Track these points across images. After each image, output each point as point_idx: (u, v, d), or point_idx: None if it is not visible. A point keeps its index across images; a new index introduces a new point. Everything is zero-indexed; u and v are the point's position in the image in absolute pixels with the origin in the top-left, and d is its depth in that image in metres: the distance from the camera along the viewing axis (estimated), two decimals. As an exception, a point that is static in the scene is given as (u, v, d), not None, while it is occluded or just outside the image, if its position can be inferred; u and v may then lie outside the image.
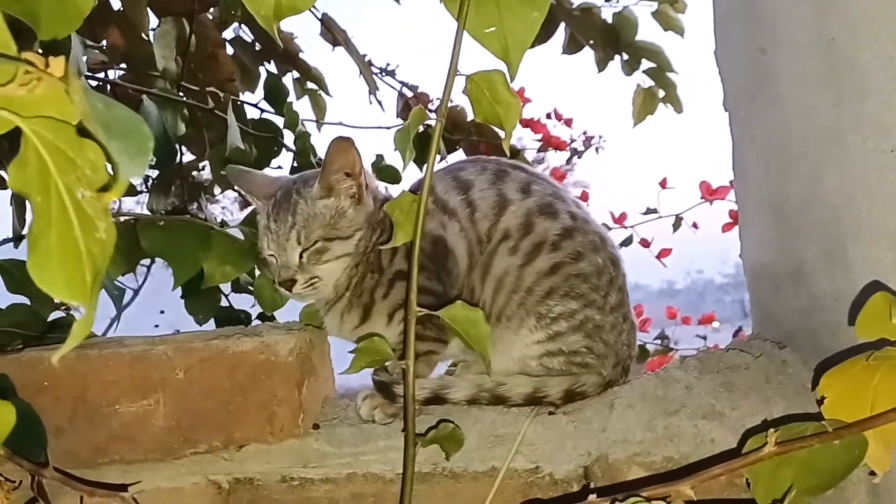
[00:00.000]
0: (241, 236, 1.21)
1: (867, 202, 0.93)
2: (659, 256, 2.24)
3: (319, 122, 2.63)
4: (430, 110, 2.68)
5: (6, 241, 1.41)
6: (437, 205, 1.07)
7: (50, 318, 1.23)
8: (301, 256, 1.06)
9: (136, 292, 2.25)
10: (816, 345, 1.03)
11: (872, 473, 0.65)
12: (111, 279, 1.24)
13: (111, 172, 0.43)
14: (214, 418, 1.02)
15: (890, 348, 0.66)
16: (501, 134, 0.83)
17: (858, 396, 0.66)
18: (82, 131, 0.45)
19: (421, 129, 2.30)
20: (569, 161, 3.27)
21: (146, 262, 2.35)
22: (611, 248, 1.09)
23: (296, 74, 2.68)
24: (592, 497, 0.67)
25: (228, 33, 2.58)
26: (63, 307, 1.33)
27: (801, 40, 1.01)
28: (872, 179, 0.92)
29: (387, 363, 1.00)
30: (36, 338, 1.15)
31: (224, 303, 1.75)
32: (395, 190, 1.63)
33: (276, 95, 2.17)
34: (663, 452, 0.95)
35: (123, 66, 2.10)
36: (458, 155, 2.50)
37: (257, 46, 2.68)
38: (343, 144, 1.05)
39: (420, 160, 1.60)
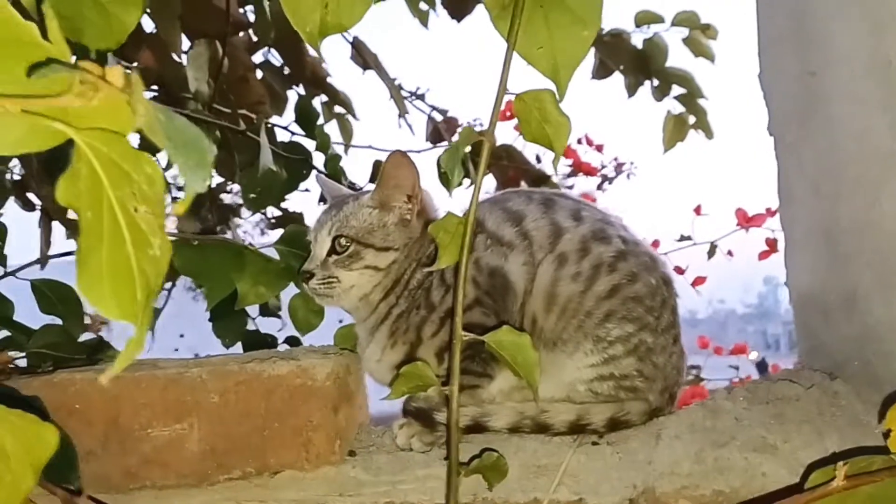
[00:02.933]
0: (276, 256, 1.19)
1: (927, 228, 0.89)
2: (694, 284, 2.20)
3: (347, 145, 2.63)
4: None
5: (34, 262, 1.40)
6: (492, 238, 1.05)
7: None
8: (330, 253, 1.07)
9: (156, 315, 2.25)
10: (870, 375, 0.99)
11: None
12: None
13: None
14: (249, 444, 0.99)
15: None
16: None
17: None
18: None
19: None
20: (599, 187, 3.25)
21: (167, 285, 2.35)
22: (662, 267, 1.07)
23: (324, 98, 2.69)
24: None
25: (258, 57, 2.60)
26: (96, 328, 1.32)
27: (855, 63, 0.98)
28: (932, 205, 0.89)
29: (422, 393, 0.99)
30: (68, 359, 1.13)
31: (250, 326, 1.74)
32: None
33: (307, 118, 2.16)
34: (713, 486, 0.92)
35: (155, 87, 2.11)
36: (488, 179, 2.48)
37: (286, 71, 2.70)
38: (400, 159, 1.06)
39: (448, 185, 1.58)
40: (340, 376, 1.01)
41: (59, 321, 1.16)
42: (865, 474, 0.61)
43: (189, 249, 1.14)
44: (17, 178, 2.32)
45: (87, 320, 1.33)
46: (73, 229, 2.15)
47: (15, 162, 2.17)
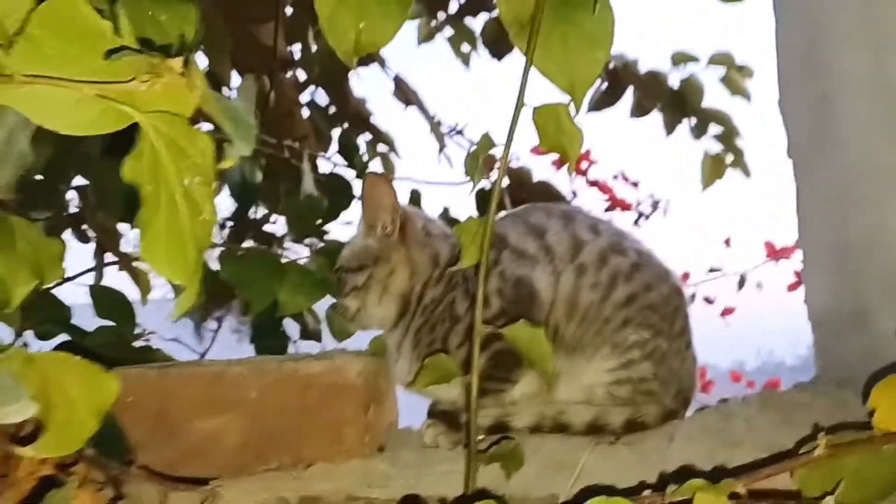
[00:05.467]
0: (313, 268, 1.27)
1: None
2: (723, 314, 2.23)
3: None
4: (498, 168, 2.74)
5: (89, 270, 1.49)
6: (516, 253, 1.11)
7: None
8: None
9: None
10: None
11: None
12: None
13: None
14: (285, 437, 1.06)
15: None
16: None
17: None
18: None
19: (487, 186, 2.36)
20: (636, 223, 3.29)
21: (213, 326, 2.45)
22: (673, 279, 1.13)
23: (367, 136, 2.79)
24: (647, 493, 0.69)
25: (304, 97, 2.71)
26: (145, 337, 1.40)
27: (861, 85, 1.04)
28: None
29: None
30: (120, 360, 1.21)
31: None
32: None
33: (348, 149, 2.26)
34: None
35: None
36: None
37: (331, 110, 2.81)
38: (374, 181, 1.15)
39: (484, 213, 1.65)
40: (370, 376, 1.07)
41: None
42: (846, 444, 0.66)
43: (235, 261, 1.23)
44: (74, 210, 2.42)
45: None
46: (124, 261, 2.24)
47: (72, 195, 2.27)
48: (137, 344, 1.34)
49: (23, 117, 0.55)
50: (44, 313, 1.15)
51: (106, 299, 1.25)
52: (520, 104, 0.83)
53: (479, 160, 0.84)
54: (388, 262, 1.14)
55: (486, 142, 0.87)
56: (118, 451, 0.99)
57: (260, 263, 1.23)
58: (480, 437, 1.01)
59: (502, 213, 1.17)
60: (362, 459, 1.05)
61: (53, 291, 1.29)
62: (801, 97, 1.23)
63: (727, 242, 2.32)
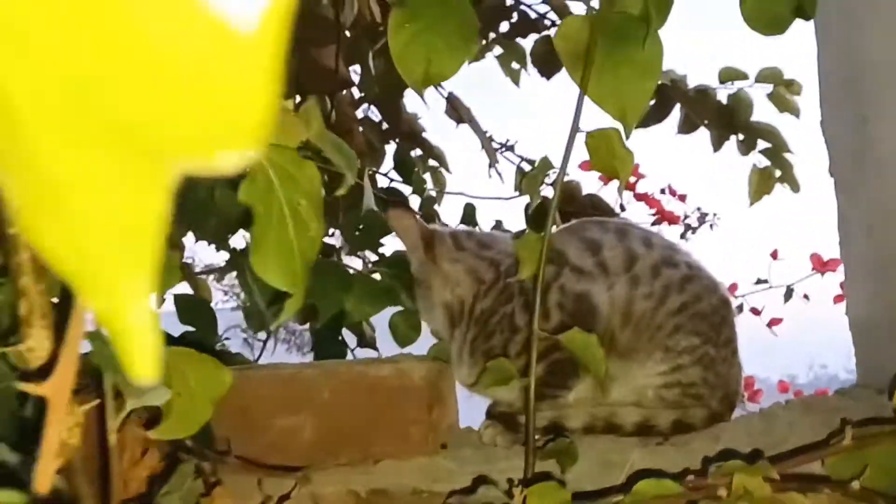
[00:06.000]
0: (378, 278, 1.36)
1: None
2: (770, 325, 2.27)
3: (441, 193, 2.81)
4: (548, 184, 2.82)
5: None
6: (574, 270, 1.17)
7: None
8: None
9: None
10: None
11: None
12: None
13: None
14: (355, 435, 1.15)
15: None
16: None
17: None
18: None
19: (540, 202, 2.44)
20: (683, 236, 3.33)
21: (261, 335, 2.56)
22: (721, 290, 1.20)
23: (418, 152, 2.89)
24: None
25: (359, 114, 2.82)
26: (221, 342, 1.50)
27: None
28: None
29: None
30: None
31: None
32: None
33: (405, 165, 2.36)
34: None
35: (272, 137, 2.34)
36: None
37: (384, 126, 2.91)
38: (393, 213, 1.28)
39: (537, 229, 1.73)
40: (433, 379, 1.16)
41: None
42: (871, 436, 0.72)
43: (306, 271, 1.32)
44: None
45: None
46: (185, 271, 2.35)
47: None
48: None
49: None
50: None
51: (189, 306, 1.36)
52: (574, 131, 0.91)
53: (539, 181, 0.92)
54: (426, 279, 1.24)
55: (545, 164, 0.95)
56: (209, 444, 1.09)
57: (328, 273, 1.32)
58: (537, 436, 1.09)
59: (557, 228, 1.25)
60: (427, 457, 1.13)
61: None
62: (841, 119, 1.30)
63: (774, 255, 2.35)
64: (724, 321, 1.17)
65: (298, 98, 2.29)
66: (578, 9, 2.39)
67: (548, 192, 2.80)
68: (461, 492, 1.05)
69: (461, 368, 1.21)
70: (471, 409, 1.30)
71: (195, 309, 1.33)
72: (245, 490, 1.00)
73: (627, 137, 0.95)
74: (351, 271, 1.36)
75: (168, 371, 0.67)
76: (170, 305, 1.39)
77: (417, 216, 1.25)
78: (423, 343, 1.36)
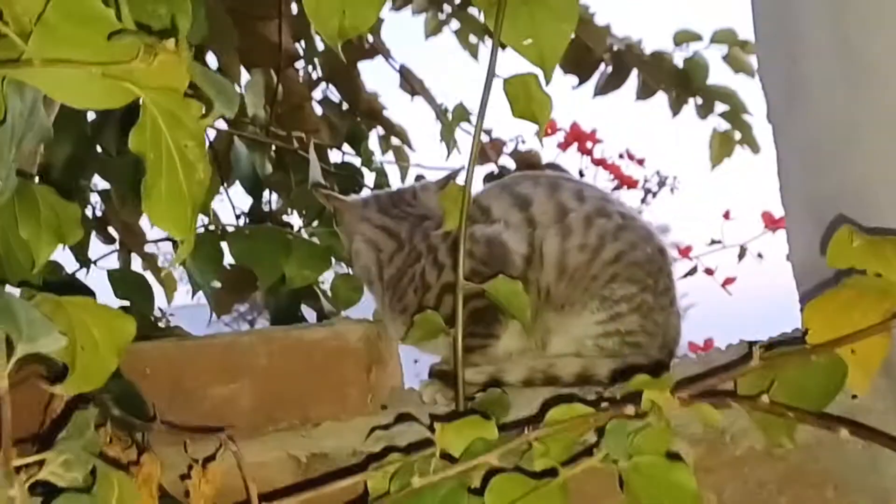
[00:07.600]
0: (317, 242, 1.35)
1: (886, 189, 1.00)
2: (724, 284, 2.29)
3: (404, 171, 2.79)
4: (507, 154, 2.82)
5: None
6: (489, 219, 1.17)
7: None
8: None
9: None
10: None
11: (854, 396, 0.73)
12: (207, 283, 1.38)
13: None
14: (293, 399, 1.14)
15: (857, 276, 0.75)
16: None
17: (840, 328, 0.75)
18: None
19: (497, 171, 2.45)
20: (643, 200, 3.34)
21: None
22: (657, 239, 1.20)
23: (381, 131, 2.87)
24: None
25: (317, 94, 2.80)
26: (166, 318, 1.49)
27: (822, 45, 1.10)
28: (891, 167, 0.99)
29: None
30: (140, 338, 1.30)
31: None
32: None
33: (355, 138, 2.35)
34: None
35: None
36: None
37: (345, 107, 2.88)
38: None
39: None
40: (371, 340, 1.15)
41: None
42: (779, 356, 0.74)
43: (241, 239, 1.31)
44: (98, 213, 2.50)
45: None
46: (148, 261, 2.32)
47: (95, 198, 2.35)
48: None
49: (41, 94, 0.63)
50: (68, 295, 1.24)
51: (124, 280, 1.34)
52: (490, 77, 0.90)
53: (453, 129, 0.91)
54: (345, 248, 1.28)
55: (460, 112, 0.94)
56: (140, 415, 1.07)
57: (266, 240, 1.30)
58: (475, 391, 1.08)
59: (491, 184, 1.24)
60: (366, 417, 1.13)
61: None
62: (774, 63, 1.29)
63: (726, 215, 2.37)
64: (661, 270, 1.17)
65: (244, 71, 2.27)
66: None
67: (507, 161, 2.81)
68: (383, 427, 1.05)
69: (389, 326, 1.21)
70: (424, 372, 1.29)
71: (130, 283, 1.31)
72: (175, 459, 0.99)
73: (548, 82, 0.95)
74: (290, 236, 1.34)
75: (69, 323, 0.65)
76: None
77: (332, 192, 1.25)
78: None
